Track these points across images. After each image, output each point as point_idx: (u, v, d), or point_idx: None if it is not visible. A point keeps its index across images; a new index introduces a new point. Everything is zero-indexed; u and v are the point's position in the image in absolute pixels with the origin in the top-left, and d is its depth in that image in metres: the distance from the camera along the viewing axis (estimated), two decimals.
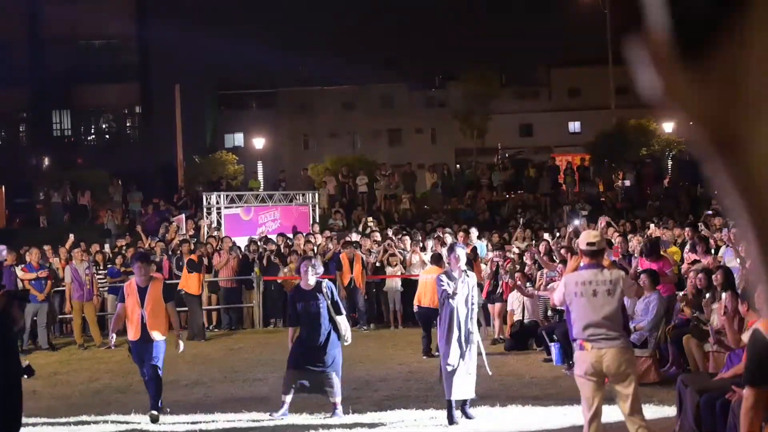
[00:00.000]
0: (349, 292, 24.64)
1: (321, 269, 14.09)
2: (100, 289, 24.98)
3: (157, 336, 13.39)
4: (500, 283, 21.36)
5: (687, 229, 23.21)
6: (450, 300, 12.71)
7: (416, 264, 25.29)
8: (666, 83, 1.07)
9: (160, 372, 13.50)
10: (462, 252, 13.25)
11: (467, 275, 13.06)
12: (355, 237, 27.92)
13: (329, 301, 13.33)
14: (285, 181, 42.43)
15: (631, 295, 11.78)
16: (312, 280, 13.37)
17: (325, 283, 13.62)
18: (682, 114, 1.10)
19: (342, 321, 13.49)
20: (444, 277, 13.00)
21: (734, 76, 1.03)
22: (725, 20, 1.01)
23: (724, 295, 13.36)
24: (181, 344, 14.15)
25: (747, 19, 1.01)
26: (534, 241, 25.66)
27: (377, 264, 25.57)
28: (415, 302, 19.98)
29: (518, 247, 24.76)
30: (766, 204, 1.11)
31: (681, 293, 16.95)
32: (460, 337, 12.68)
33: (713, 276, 15.19)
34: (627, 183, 41.00)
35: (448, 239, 25.67)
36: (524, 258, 21.93)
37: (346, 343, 13.64)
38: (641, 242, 20.98)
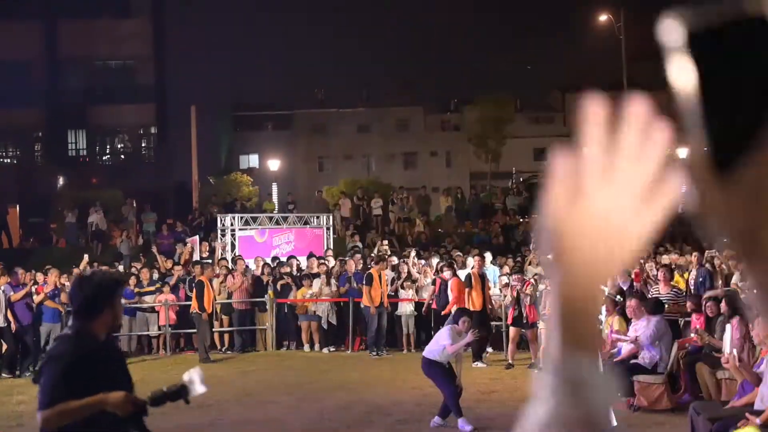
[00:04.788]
0: (378, 312, 24.36)
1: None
2: None
3: None
4: (524, 307, 21.36)
5: (695, 254, 23.12)
6: None
7: (427, 286, 25.29)
8: (700, 199, 1.14)
9: None
10: None
11: None
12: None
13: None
14: (294, 204, 42.37)
15: None
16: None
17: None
18: (714, 226, 1.17)
19: None
20: None
21: (759, 191, 1.10)
22: (754, 140, 1.08)
23: (733, 321, 13.38)
24: None
25: None
26: None
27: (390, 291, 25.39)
28: None
29: (535, 273, 24.64)
30: None
31: (693, 319, 16.94)
32: None
33: (721, 303, 15.25)
34: None
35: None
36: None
37: None
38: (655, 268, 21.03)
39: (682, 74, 1.13)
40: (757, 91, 1.10)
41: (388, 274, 25.45)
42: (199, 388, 5.61)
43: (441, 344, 14.37)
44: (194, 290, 24.59)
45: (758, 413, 10.22)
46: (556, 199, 1.25)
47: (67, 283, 25.21)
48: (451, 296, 22.75)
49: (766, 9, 1.10)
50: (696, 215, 1.15)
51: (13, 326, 22.09)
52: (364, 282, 24.70)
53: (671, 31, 1.14)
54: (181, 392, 5.60)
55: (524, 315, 21.37)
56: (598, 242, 1.25)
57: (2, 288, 22.22)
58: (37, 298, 22.99)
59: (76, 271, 26.50)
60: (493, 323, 23.93)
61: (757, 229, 1.11)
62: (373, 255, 29.18)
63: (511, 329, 21.83)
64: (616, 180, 1.23)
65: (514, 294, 21.94)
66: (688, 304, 17.99)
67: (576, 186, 1.23)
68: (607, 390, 1.28)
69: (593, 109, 1.24)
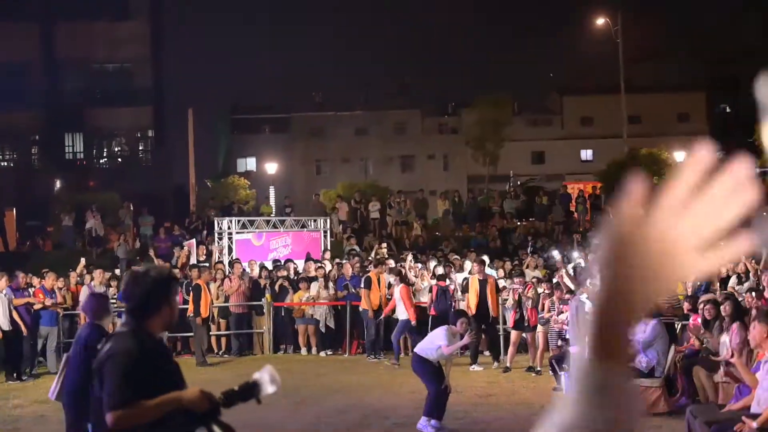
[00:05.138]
0: (376, 316, 24.19)
1: None
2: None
3: None
4: (525, 310, 21.29)
5: None
6: None
7: (424, 290, 25.21)
8: None
9: None
10: None
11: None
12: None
13: None
14: (291, 207, 42.25)
15: None
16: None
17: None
18: None
19: None
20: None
21: None
22: None
23: (733, 327, 13.36)
24: None
25: None
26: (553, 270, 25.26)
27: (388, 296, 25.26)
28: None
29: (533, 276, 24.57)
30: None
31: (690, 322, 16.93)
32: None
33: (722, 307, 15.20)
34: None
35: (440, 270, 25.72)
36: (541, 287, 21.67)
37: None
38: None
39: None
40: None
41: (386, 277, 25.38)
42: (269, 388, 5.52)
43: (436, 344, 14.29)
44: (191, 294, 24.53)
45: (755, 416, 10.21)
46: (627, 213, 1.26)
47: (63, 287, 25.20)
48: (400, 303, 22.77)
49: None
50: None
51: (24, 330, 22.05)
52: (362, 285, 24.62)
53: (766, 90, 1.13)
54: (253, 390, 5.53)
55: (526, 318, 21.32)
56: (650, 264, 1.27)
57: (4, 291, 22.13)
58: (38, 306, 22.97)
59: (73, 274, 26.50)
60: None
61: None
62: (370, 258, 29.14)
63: (513, 333, 21.75)
64: (693, 216, 1.24)
65: (516, 297, 21.88)
66: (685, 305, 17.98)
67: (651, 209, 1.25)
68: (633, 396, 1.30)
69: (702, 156, 1.25)
